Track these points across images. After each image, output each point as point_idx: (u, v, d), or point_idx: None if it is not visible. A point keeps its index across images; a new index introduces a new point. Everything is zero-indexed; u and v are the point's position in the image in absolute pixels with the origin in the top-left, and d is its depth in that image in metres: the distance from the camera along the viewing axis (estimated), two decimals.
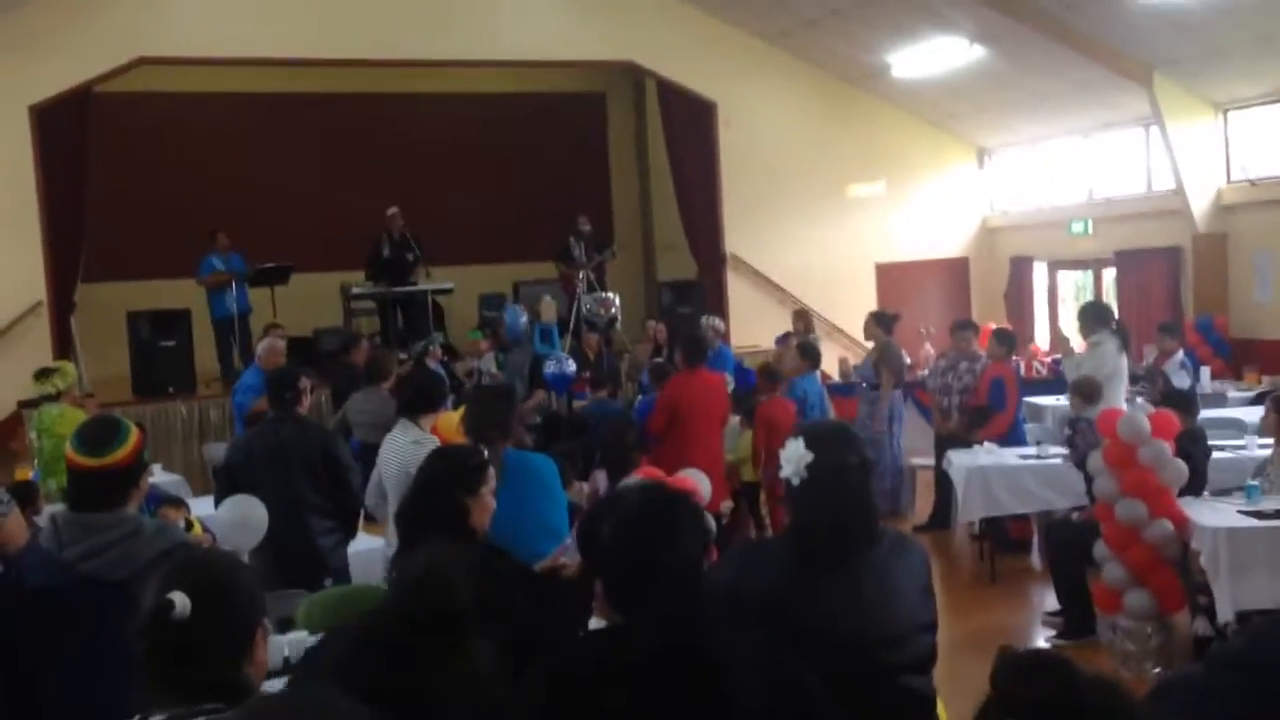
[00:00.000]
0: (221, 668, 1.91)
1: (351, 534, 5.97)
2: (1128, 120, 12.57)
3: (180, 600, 1.85)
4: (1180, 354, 10.14)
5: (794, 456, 2.43)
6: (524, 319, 11.90)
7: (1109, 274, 13.33)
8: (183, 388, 11.55)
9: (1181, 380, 9.79)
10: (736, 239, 14.21)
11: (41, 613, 2.90)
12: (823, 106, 14.52)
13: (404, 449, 5.28)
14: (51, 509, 6.35)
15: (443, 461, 3.40)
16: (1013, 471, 7.91)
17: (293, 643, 4.30)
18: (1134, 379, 8.71)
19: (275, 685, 3.87)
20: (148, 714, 1.87)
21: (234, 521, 5.14)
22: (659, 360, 10.19)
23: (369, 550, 6.17)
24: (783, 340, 11.60)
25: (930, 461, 9.38)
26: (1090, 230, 13.32)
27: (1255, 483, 6.16)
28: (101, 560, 2.89)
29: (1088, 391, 7.19)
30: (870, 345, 10.24)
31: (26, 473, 7.70)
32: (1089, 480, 6.46)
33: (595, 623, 3.21)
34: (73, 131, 11.88)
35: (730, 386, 9.80)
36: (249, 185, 14.30)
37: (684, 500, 2.22)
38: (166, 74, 13.27)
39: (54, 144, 11.68)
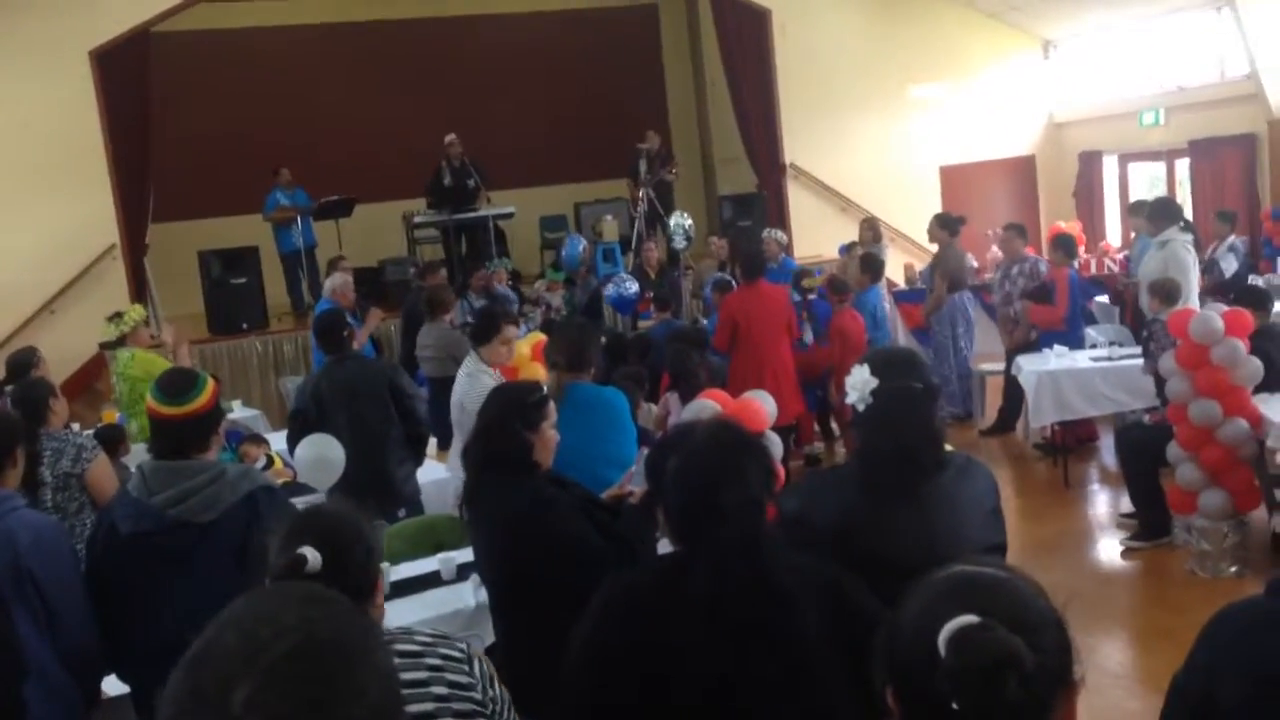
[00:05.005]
0: None
1: (419, 462, 6.11)
2: (1199, 3, 12.08)
3: (312, 555, 1.96)
4: (1231, 238, 9.88)
5: (859, 382, 2.43)
6: (581, 247, 11.80)
7: (1182, 165, 12.94)
8: (256, 323, 11.74)
9: (1229, 264, 9.58)
10: (796, 148, 13.97)
11: (135, 555, 3.06)
12: (879, 5, 14.14)
13: (461, 381, 5.52)
14: (137, 447, 6.59)
15: (503, 399, 3.44)
16: (1083, 375, 7.85)
17: None
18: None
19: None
20: None
21: (313, 461, 5.28)
22: (719, 276, 10.12)
23: (442, 480, 6.33)
24: (846, 250, 11.47)
25: (1000, 367, 9.31)
26: (1162, 120, 12.92)
27: None
28: (189, 505, 3.03)
29: (1166, 292, 6.96)
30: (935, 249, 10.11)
31: (112, 415, 7.88)
32: (1160, 382, 6.38)
33: (663, 545, 3.27)
34: (134, 74, 11.95)
35: (794, 298, 9.76)
36: (309, 119, 14.40)
37: (750, 441, 2.22)
38: (223, 10, 13.37)
39: (116, 88, 11.72)
